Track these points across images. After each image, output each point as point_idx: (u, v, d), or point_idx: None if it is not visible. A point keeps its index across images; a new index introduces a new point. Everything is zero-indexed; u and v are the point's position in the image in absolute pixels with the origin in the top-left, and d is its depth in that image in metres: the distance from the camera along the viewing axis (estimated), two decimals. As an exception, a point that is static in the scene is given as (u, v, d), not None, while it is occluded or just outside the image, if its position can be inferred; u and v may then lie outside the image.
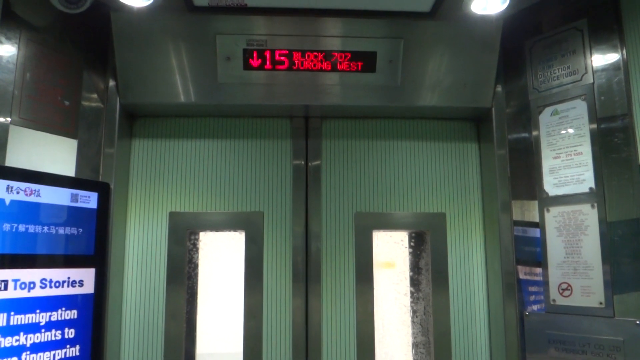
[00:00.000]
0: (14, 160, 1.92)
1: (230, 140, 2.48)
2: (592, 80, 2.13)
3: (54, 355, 1.90)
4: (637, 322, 1.90)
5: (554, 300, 2.13)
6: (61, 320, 1.94)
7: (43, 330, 1.87)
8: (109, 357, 2.15)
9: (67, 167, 2.13)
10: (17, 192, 1.86)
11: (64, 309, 1.95)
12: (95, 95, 2.27)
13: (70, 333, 1.96)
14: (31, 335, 1.83)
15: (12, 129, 1.94)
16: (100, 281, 2.10)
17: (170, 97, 2.28)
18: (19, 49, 1.99)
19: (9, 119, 1.93)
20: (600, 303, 2.00)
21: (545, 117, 2.26)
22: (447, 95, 2.34)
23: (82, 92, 2.23)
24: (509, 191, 2.32)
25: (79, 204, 2.06)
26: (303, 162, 2.46)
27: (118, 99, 2.28)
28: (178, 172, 2.43)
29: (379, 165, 2.50)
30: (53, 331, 1.91)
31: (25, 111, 2.00)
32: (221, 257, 2.45)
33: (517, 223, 2.29)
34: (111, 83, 2.29)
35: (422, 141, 2.54)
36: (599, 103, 2.11)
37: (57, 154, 2.11)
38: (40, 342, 1.86)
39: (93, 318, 2.05)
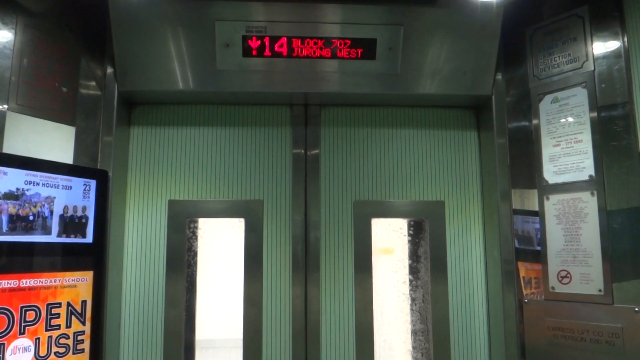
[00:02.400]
0: (11, 147, 1.91)
1: (229, 128, 2.46)
2: (592, 68, 2.12)
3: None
4: (636, 309, 1.90)
5: (553, 288, 2.13)
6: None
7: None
8: (109, 344, 2.15)
9: (64, 154, 2.12)
10: (15, 179, 1.85)
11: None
12: (93, 83, 2.26)
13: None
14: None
15: (10, 115, 1.93)
16: (99, 269, 2.10)
17: (169, 84, 2.26)
18: (15, 34, 1.97)
19: (6, 106, 1.92)
20: (599, 290, 2.00)
21: (545, 105, 2.25)
22: (447, 83, 2.33)
23: (80, 79, 2.21)
24: (508, 179, 2.32)
25: (77, 192, 2.06)
26: (302, 150, 2.45)
27: (116, 86, 2.26)
28: (177, 160, 2.42)
29: (378, 153, 2.49)
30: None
31: (22, 98, 1.98)
32: (221, 245, 2.45)
33: (516, 211, 2.29)
34: (109, 70, 2.27)
35: (421, 129, 2.53)
36: (599, 90, 2.10)
37: (54, 141, 2.09)
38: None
39: (92, 304, 2.05)
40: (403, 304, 2.48)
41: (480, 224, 2.48)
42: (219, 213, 2.39)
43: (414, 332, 2.44)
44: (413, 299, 2.47)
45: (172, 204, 2.36)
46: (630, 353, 1.90)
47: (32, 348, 1.83)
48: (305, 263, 2.36)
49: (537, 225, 2.22)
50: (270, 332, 2.32)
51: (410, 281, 2.48)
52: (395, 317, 2.47)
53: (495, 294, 2.34)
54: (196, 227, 2.42)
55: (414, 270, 2.48)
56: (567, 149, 2.16)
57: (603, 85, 2.09)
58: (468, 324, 2.40)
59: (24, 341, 1.81)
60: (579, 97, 2.16)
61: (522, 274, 2.24)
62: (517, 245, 2.27)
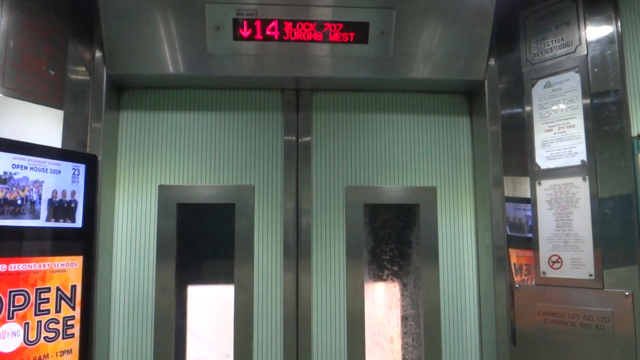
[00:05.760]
0: (-2, 130, 1.89)
1: (220, 113, 2.44)
2: (585, 52, 2.11)
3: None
4: (626, 293, 1.91)
5: (544, 273, 2.14)
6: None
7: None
8: (99, 329, 2.14)
9: (53, 138, 2.10)
10: (2, 163, 1.83)
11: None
12: (81, 66, 2.22)
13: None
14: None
15: (-4, 98, 1.90)
16: (89, 254, 2.08)
17: (159, 68, 2.23)
18: (1, 16, 1.93)
19: (-8, 88, 1.89)
20: (590, 275, 2.01)
21: (538, 90, 2.24)
22: (439, 67, 2.31)
23: (68, 62, 2.18)
24: (500, 165, 2.31)
25: (66, 176, 2.03)
26: (294, 135, 2.43)
27: (105, 69, 2.23)
28: (167, 144, 2.39)
29: (370, 138, 2.48)
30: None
31: (9, 80, 1.95)
32: (211, 230, 2.43)
33: (508, 198, 2.28)
34: (98, 53, 2.24)
35: (413, 114, 2.51)
36: (592, 75, 2.09)
37: (42, 125, 2.07)
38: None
39: (82, 289, 2.03)
40: (394, 289, 2.48)
41: (472, 210, 2.47)
42: (210, 198, 2.37)
43: (405, 318, 2.45)
44: (404, 285, 2.47)
45: (162, 189, 2.34)
46: (620, 337, 1.91)
47: (22, 333, 1.82)
48: (297, 249, 2.35)
49: (529, 212, 2.22)
50: (261, 318, 2.32)
51: (402, 267, 2.48)
52: (386, 303, 2.47)
53: (486, 280, 2.34)
54: (187, 212, 2.40)
55: (405, 256, 2.48)
56: (560, 134, 2.15)
57: (596, 69, 2.08)
58: (459, 310, 2.41)
59: (13, 326, 1.80)
60: (572, 81, 2.14)
61: (513, 260, 2.24)
62: (508, 231, 2.26)
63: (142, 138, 2.39)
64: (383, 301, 2.46)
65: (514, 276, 2.22)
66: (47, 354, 1.89)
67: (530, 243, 2.20)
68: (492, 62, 2.36)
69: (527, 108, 2.26)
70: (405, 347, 2.43)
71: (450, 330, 2.39)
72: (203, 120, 2.42)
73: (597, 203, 2.02)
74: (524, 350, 2.14)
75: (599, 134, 2.05)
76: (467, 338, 2.40)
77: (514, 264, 2.23)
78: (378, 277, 2.47)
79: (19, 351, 1.81)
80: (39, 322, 1.87)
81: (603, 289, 1.97)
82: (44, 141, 2.04)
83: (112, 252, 2.30)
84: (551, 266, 2.12)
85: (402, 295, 2.47)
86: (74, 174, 2.06)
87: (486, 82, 2.35)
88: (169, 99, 2.42)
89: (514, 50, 2.33)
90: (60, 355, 1.93)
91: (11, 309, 1.80)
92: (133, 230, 2.33)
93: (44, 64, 2.09)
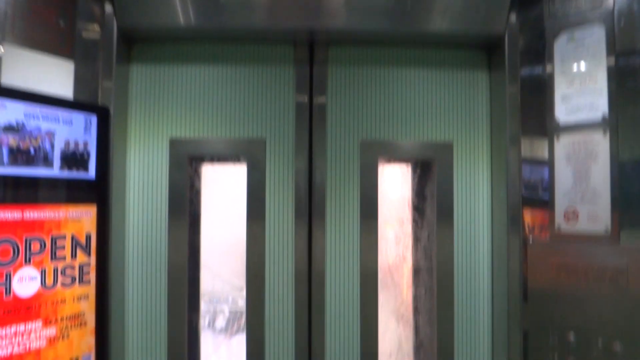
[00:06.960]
0: (9, 81, 1.87)
1: (232, 66, 2.39)
2: (612, 6, 2.02)
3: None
4: (642, 248, 1.88)
5: (558, 228, 2.11)
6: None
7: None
8: (114, 277, 2.17)
9: (64, 90, 2.07)
10: (16, 113, 1.82)
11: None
12: (91, 18, 2.18)
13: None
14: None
15: (6, 49, 1.87)
16: (103, 204, 2.09)
17: (170, 18, 2.18)
18: (10, -37, 1.90)
19: (2, 39, 1.86)
20: (606, 229, 1.98)
21: (560, 44, 2.16)
22: (458, 19, 2.23)
23: (78, 13, 2.14)
24: (518, 122, 2.25)
25: (78, 127, 2.02)
26: (307, 89, 2.38)
27: (115, 21, 2.19)
28: (178, 98, 2.37)
29: (386, 93, 2.42)
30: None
31: (19, 31, 1.93)
32: (223, 182, 2.44)
33: (525, 155, 2.24)
34: (107, 5, 2.19)
35: (431, 69, 2.44)
36: (618, 29, 2.01)
37: (53, 76, 2.04)
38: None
39: (97, 240, 2.05)
40: (408, 242, 2.48)
41: (488, 166, 2.43)
42: (221, 151, 2.36)
43: (417, 270, 2.45)
44: (418, 238, 2.46)
45: (173, 142, 2.33)
46: (634, 291, 1.89)
47: (39, 278, 1.85)
48: (309, 204, 2.34)
49: (546, 170, 2.18)
50: (273, 275, 2.33)
51: (416, 221, 2.47)
52: (400, 256, 2.47)
53: (500, 236, 2.32)
54: (198, 166, 2.40)
55: (420, 210, 2.47)
56: (581, 89, 2.09)
57: (622, 24, 2.00)
58: (472, 262, 2.39)
59: (30, 271, 1.82)
60: (596, 35, 2.07)
61: (527, 217, 2.21)
62: (523, 189, 2.23)
63: (153, 91, 2.36)
64: (397, 254, 2.46)
65: (528, 233, 2.20)
66: (65, 299, 1.92)
67: (545, 201, 2.17)
68: (512, 15, 2.27)
69: (548, 63, 2.19)
70: (417, 298, 2.44)
71: (463, 281, 2.39)
72: (214, 74, 2.38)
73: (617, 159, 1.97)
74: (536, 304, 2.13)
75: (622, 90, 1.99)
76: (479, 291, 2.39)
77: (528, 224, 2.21)
78: (392, 231, 2.46)
79: (37, 296, 1.84)
80: (56, 268, 1.90)
81: (619, 243, 1.95)
82: (56, 92, 2.02)
83: (125, 203, 2.31)
84: (566, 221, 2.09)
85: (416, 248, 2.46)
86: (85, 125, 2.05)
87: (506, 36, 2.27)
88: (180, 52, 2.38)
89: (536, 3, 2.24)
90: (78, 301, 1.97)
91: (28, 254, 1.82)
92: (145, 182, 2.33)
93: (53, 15, 2.05)
